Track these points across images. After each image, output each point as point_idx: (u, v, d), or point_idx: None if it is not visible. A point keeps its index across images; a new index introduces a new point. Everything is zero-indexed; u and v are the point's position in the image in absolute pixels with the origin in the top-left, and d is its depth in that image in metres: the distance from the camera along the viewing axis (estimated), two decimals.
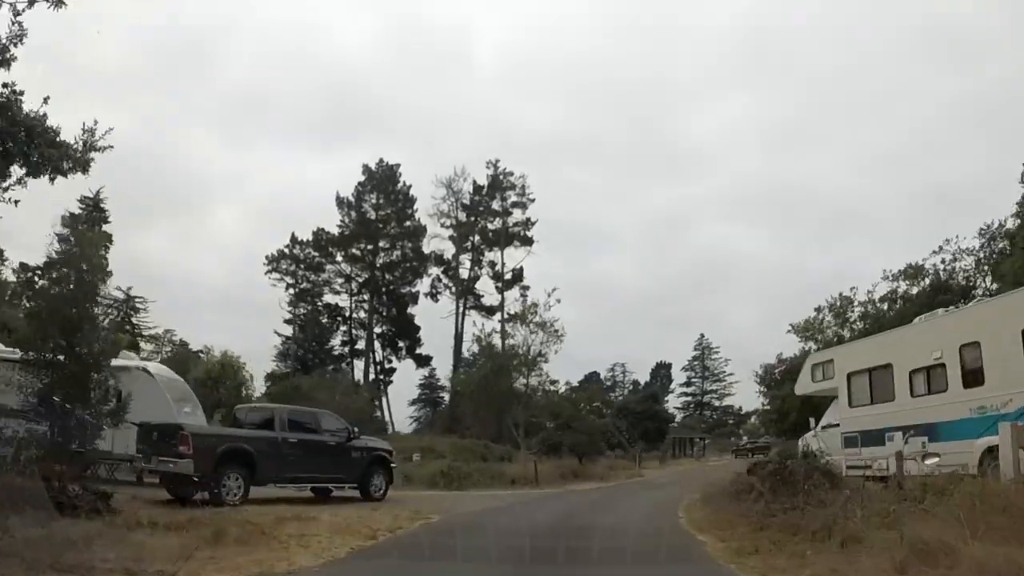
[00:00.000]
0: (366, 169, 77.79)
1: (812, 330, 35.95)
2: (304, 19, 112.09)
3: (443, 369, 77.82)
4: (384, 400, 78.04)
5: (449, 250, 75.34)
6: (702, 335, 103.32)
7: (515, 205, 71.80)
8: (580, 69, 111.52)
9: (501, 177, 72.23)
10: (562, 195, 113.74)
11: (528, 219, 71.40)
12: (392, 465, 22.87)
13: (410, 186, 76.62)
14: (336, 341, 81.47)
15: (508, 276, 70.08)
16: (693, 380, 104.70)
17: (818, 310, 35.86)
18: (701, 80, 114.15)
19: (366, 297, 79.23)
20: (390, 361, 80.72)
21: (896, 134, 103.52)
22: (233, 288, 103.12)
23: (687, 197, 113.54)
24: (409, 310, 79.01)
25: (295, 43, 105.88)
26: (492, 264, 75.51)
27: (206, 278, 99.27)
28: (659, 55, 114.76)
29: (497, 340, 40.69)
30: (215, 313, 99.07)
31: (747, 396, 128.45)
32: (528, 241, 70.76)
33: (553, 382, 39.27)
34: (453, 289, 72.62)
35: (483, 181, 74.80)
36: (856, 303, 34.64)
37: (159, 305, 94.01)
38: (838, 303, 34.87)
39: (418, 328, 78.46)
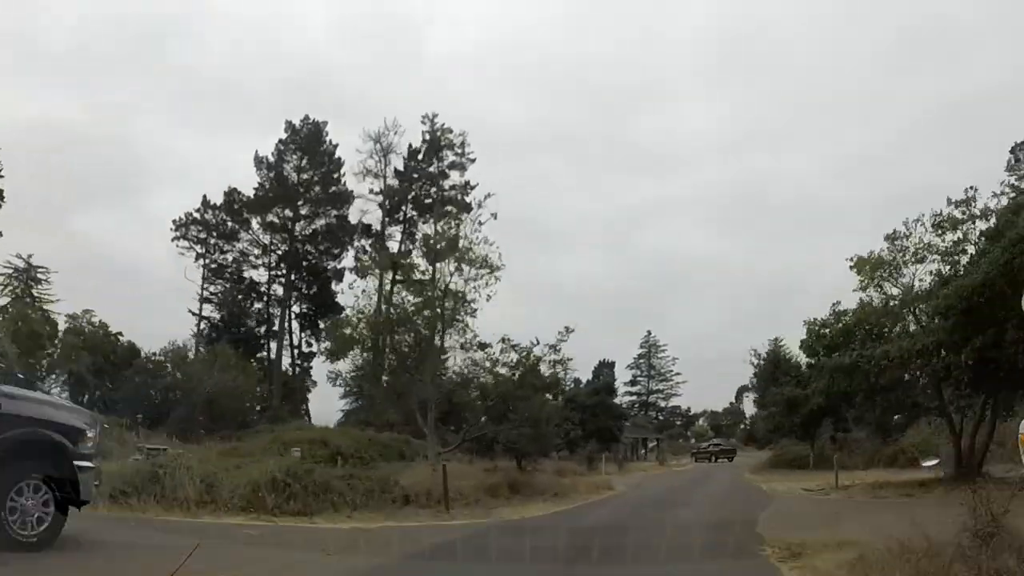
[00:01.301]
0: (289, 126, 63.34)
1: (885, 267, 22.59)
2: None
3: None
4: (307, 389, 64.71)
5: (376, 215, 61.20)
6: (649, 332, 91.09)
7: (453, 166, 57.72)
8: (543, 65, 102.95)
9: (439, 134, 58.00)
10: (509, 189, 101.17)
11: (467, 182, 57.51)
12: (81, 465, 8.46)
13: (336, 145, 62.42)
14: (253, 322, 67.12)
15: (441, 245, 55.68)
16: (639, 379, 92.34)
17: (891, 238, 22.44)
18: (663, 81, 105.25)
19: (284, 271, 64.64)
20: (309, 344, 66.31)
21: (861, 138, 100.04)
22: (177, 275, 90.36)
23: (642, 196, 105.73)
24: (333, 287, 64.40)
25: (256, 31, 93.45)
26: (427, 237, 61.05)
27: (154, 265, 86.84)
28: (629, 54, 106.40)
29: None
30: (159, 300, 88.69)
31: (694, 397, 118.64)
32: (466, 207, 56.46)
33: (483, 345, 25.50)
34: (377, 259, 58.08)
35: (419, 146, 60.73)
36: (976, 213, 21.18)
37: (103, 291, 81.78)
38: (947, 214, 21.40)
39: (341, 308, 63.16)
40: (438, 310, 23.96)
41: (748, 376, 68.34)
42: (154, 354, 47.06)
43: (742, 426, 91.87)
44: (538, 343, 25.99)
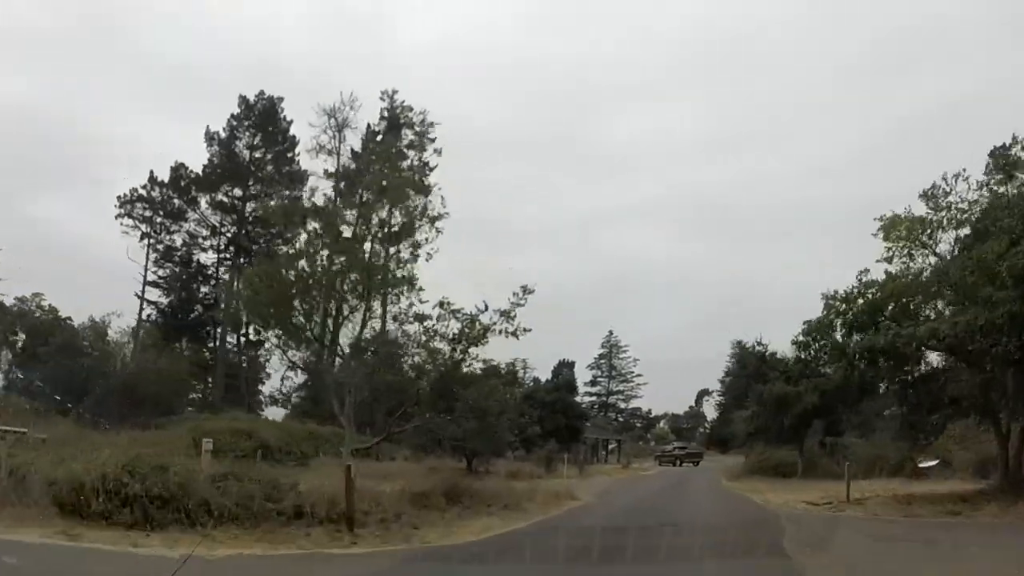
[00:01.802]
0: (243, 101, 57.78)
1: (922, 228, 17.89)
2: None
3: None
4: (259, 380, 58.96)
5: (326, 191, 55.91)
6: (611, 331, 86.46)
7: (411, 146, 52.40)
8: (510, 66, 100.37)
9: (398, 111, 52.82)
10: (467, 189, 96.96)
11: (426, 163, 52.11)
12: None
13: (291, 122, 57.26)
14: (201, 308, 61.44)
15: (395, 229, 50.49)
16: (599, 379, 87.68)
17: (927, 196, 17.71)
18: (633, 85, 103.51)
19: (233, 255, 59.09)
20: (258, 332, 60.45)
21: (827, 147, 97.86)
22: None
23: (601, 199, 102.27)
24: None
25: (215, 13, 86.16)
26: (382, 224, 55.77)
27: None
28: (593, 55, 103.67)
29: None
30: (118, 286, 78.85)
31: (655, 399, 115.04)
32: (424, 190, 51.27)
33: (421, 317, 20.26)
34: (327, 241, 52.68)
35: (377, 125, 55.43)
36: None
37: (64, 279, 75.72)
38: (1013, 156, 16.99)
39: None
40: (365, 273, 18.98)
41: (710, 378, 64.85)
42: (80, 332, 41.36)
43: (702, 429, 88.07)
44: (486, 308, 20.49)
